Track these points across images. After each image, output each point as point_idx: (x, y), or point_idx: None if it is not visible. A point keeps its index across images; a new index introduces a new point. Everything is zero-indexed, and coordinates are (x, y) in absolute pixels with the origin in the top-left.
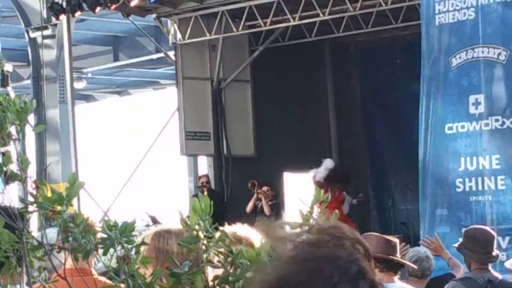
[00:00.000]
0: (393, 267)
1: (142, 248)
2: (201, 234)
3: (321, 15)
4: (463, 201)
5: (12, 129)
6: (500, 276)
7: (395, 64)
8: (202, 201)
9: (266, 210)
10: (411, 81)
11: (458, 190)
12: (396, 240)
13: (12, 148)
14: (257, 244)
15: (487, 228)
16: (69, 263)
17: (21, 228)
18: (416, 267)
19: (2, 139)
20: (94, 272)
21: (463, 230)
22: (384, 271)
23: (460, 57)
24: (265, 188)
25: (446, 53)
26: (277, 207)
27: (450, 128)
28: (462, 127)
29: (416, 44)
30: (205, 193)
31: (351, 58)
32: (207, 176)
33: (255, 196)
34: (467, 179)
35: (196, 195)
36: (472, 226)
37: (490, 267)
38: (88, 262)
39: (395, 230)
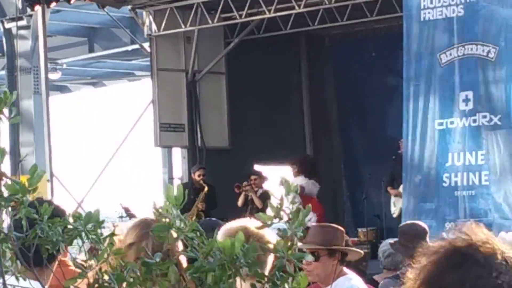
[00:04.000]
0: (345, 259)
1: (120, 238)
2: (178, 223)
3: (296, 7)
4: (449, 196)
5: None
6: None
7: (370, 57)
8: (177, 190)
9: (257, 202)
10: (386, 74)
11: (444, 185)
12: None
13: None
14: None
15: (420, 222)
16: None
17: None
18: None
19: None
20: (70, 263)
21: (447, 224)
22: (342, 264)
23: (450, 54)
24: (253, 177)
25: (434, 50)
26: (265, 196)
27: (440, 124)
28: (452, 123)
29: (391, 38)
30: (206, 188)
31: (326, 51)
32: (204, 169)
33: (243, 193)
34: (453, 174)
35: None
36: (405, 222)
37: None
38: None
39: (368, 223)
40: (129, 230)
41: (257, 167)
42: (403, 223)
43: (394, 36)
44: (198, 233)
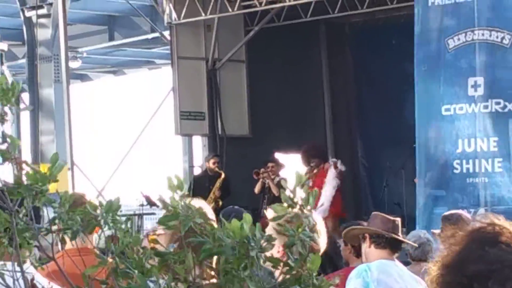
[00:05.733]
0: (394, 246)
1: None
2: (184, 210)
3: None
4: (460, 182)
5: None
6: None
7: (390, 45)
8: (175, 178)
9: (274, 190)
10: (405, 62)
11: (456, 171)
12: (399, 220)
13: None
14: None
15: (462, 211)
16: (72, 244)
17: (10, 208)
18: (416, 245)
19: None
20: (96, 251)
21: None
22: (384, 248)
23: (458, 39)
24: (270, 165)
25: (442, 34)
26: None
27: (448, 110)
28: (461, 108)
29: (411, 25)
30: (222, 175)
31: (346, 39)
32: (218, 156)
33: (260, 181)
34: (464, 161)
35: (199, 177)
36: (450, 211)
37: None
38: (89, 241)
39: (389, 211)
40: None
41: (277, 155)
42: (446, 213)
43: (414, 23)
44: (208, 219)
